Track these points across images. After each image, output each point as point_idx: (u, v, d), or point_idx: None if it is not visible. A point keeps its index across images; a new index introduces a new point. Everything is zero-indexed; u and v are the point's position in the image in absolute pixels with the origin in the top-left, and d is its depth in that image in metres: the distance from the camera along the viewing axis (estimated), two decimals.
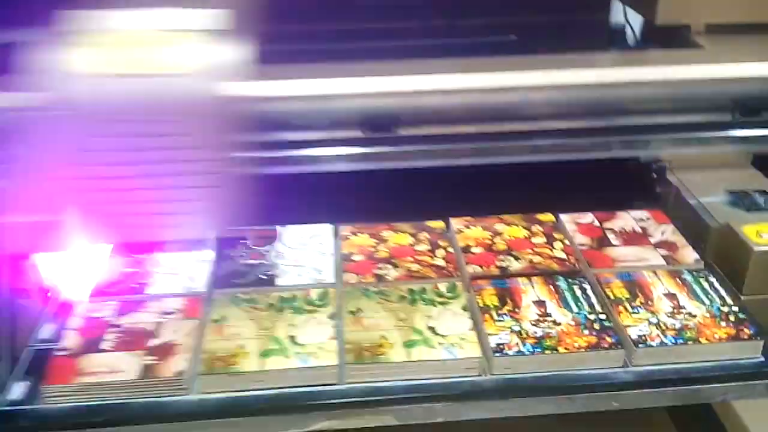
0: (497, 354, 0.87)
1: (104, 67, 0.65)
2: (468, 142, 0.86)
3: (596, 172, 1.19)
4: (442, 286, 1.00)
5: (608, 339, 0.89)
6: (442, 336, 0.90)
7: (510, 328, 0.91)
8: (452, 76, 0.80)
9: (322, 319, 0.94)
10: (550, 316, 0.93)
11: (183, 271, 1.04)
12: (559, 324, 0.92)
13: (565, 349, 0.88)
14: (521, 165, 0.88)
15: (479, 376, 0.88)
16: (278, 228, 1.13)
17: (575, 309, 0.94)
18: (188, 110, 0.67)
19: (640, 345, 0.88)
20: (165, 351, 0.88)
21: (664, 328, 0.90)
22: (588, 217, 1.15)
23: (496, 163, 1.06)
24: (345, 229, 1.13)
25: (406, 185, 1.21)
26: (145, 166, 0.68)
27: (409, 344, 0.89)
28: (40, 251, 0.94)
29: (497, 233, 1.11)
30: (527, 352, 0.87)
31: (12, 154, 0.69)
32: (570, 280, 1.00)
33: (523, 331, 0.90)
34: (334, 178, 1.13)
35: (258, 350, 0.89)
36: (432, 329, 0.91)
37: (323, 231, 1.13)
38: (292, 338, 0.90)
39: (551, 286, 0.99)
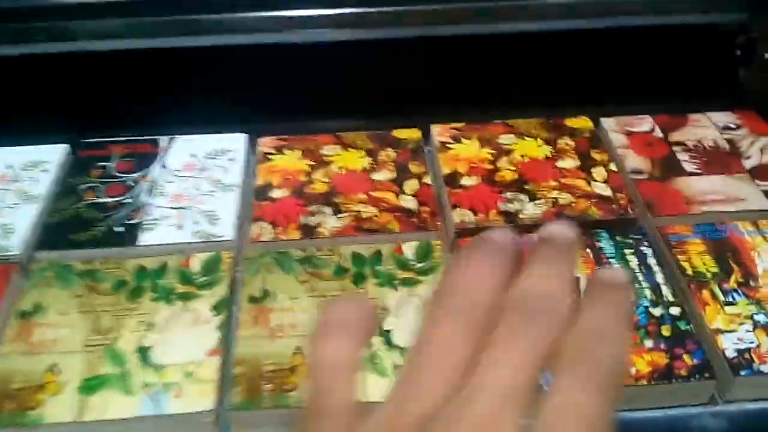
0: None
1: None
2: None
3: (654, 50, 0.78)
4: (409, 249, 0.61)
5: (687, 358, 0.51)
6: (402, 350, 0.52)
7: None
8: None
9: (203, 313, 0.56)
10: None
11: None
12: None
13: None
14: (541, 38, 0.67)
15: None
16: (162, 140, 0.73)
17: None
18: None
19: (741, 369, 0.51)
20: None
21: None
22: (645, 123, 0.74)
23: (502, 34, 0.76)
24: (265, 142, 0.73)
25: (365, 70, 0.79)
26: None
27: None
28: None
29: (503, 150, 0.70)
30: None
31: None
32: (619, 239, 0.61)
33: None
34: (254, 56, 0.73)
35: (80, 377, 0.51)
36: (386, 337, 0.54)
37: (231, 144, 0.72)
38: (142, 353, 0.53)
39: (588, 250, 0.60)
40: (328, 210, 0.64)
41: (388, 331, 0.54)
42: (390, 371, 0.51)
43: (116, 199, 0.66)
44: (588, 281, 0.29)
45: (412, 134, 0.73)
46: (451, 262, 0.30)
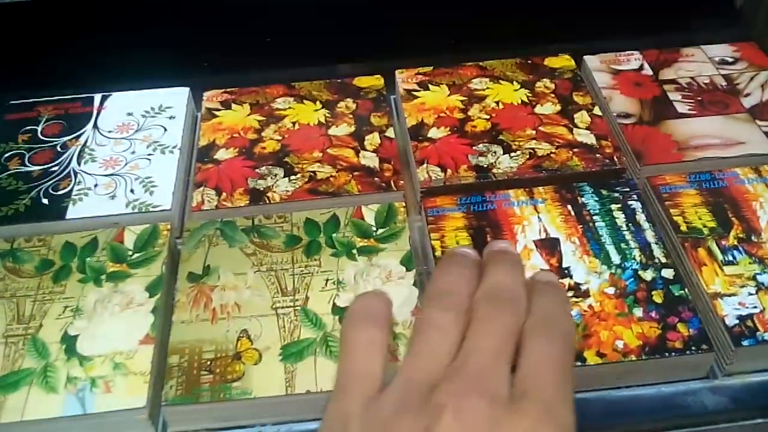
0: None
1: None
2: None
3: None
4: (370, 213, 0.54)
5: (682, 328, 0.45)
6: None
7: None
8: None
9: (136, 294, 0.49)
10: (567, 272, 0.49)
11: None
12: (585, 293, 0.48)
13: (599, 354, 0.44)
14: None
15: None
16: (95, 98, 0.65)
17: (615, 256, 0.50)
18: None
19: (743, 338, 0.45)
20: None
21: None
22: (633, 60, 0.66)
23: None
24: (210, 96, 0.65)
25: (320, 11, 0.71)
26: None
27: (294, 352, 0.45)
28: None
29: (475, 96, 0.63)
30: None
31: None
32: (604, 193, 0.54)
33: None
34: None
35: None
36: (341, 314, 0.47)
37: (171, 99, 0.65)
38: (68, 342, 0.47)
39: (569, 206, 0.53)
40: (279, 171, 0.57)
41: (344, 308, 0.48)
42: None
43: (43, 167, 0.59)
44: (530, 281, 0.37)
45: (373, 82, 0.66)
46: (434, 271, 0.40)
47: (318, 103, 0.64)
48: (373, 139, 0.60)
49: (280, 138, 0.60)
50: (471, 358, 0.31)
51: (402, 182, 0.56)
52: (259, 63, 0.70)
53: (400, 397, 0.31)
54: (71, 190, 0.56)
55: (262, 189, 0.56)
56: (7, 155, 0.60)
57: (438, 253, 0.50)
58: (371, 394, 0.32)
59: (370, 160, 0.58)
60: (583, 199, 0.54)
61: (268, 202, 0.55)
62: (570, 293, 0.47)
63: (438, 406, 0.29)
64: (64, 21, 0.73)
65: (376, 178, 0.56)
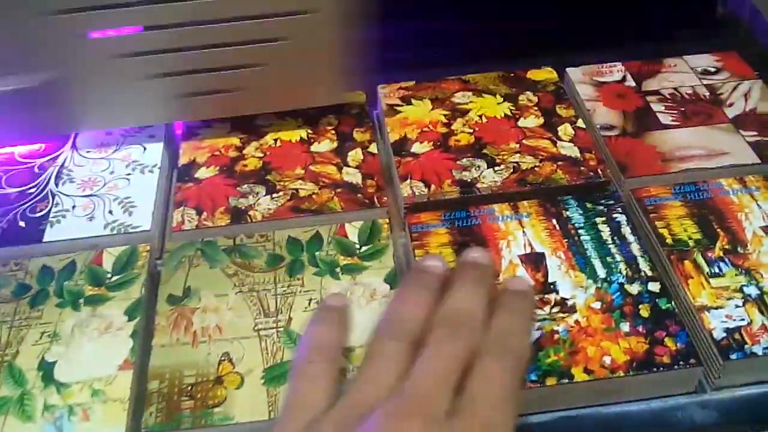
0: None
1: None
2: None
3: None
4: (353, 231, 0.53)
5: (669, 342, 0.45)
6: (348, 351, 0.45)
7: None
8: None
9: (115, 318, 0.48)
10: (553, 288, 0.48)
11: None
12: (572, 308, 0.47)
13: (587, 371, 0.44)
14: None
15: None
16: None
17: (601, 270, 0.49)
18: None
19: (731, 352, 0.44)
20: None
21: None
22: (616, 72, 0.66)
23: None
24: None
25: None
26: None
27: (277, 375, 0.45)
28: None
29: (458, 110, 0.63)
30: None
31: None
32: (589, 206, 0.54)
33: None
34: None
35: None
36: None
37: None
38: (44, 370, 0.46)
39: (554, 220, 0.53)
40: (261, 189, 0.57)
41: None
42: None
43: (20, 189, 0.58)
44: (500, 289, 0.38)
45: (355, 97, 0.65)
46: (396, 290, 0.40)
47: (299, 119, 0.63)
48: (355, 155, 0.59)
49: (261, 155, 0.60)
50: (413, 383, 0.32)
51: (386, 198, 0.56)
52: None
53: (340, 418, 0.32)
54: (48, 212, 0.55)
55: (243, 208, 0.55)
56: None
57: None
58: (314, 419, 0.33)
59: (353, 176, 0.57)
60: (567, 212, 0.53)
61: (249, 220, 0.54)
62: (556, 309, 0.47)
63: (372, 427, 0.30)
64: None
65: (359, 195, 0.56)
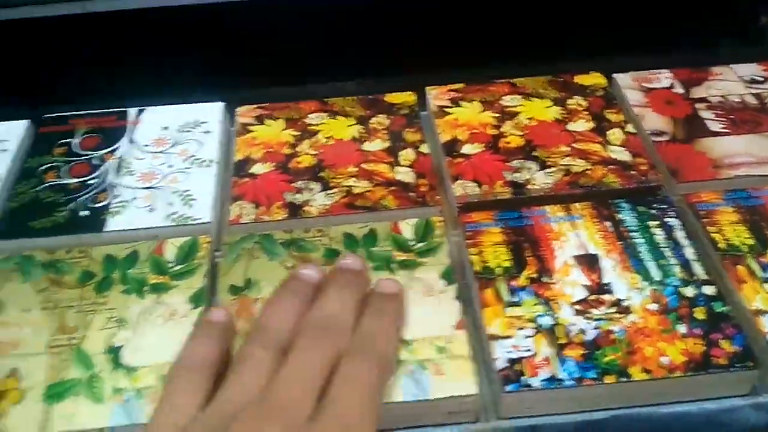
0: (510, 386, 0.44)
1: None
2: None
3: None
4: (408, 227, 0.54)
5: (725, 344, 0.45)
6: (407, 343, 0.46)
7: (533, 320, 0.47)
8: None
9: (179, 306, 0.50)
10: (608, 289, 0.49)
11: None
12: (627, 309, 0.48)
13: (645, 370, 0.44)
14: None
15: (475, 423, 0.46)
16: (129, 112, 0.66)
17: (656, 272, 0.50)
18: None
19: None
20: None
21: None
22: (663, 79, 0.67)
23: None
24: (244, 111, 0.66)
25: (352, 28, 0.72)
26: None
27: None
28: None
29: (507, 113, 0.64)
30: (567, 379, 0.44)
31: None
32: (641, 210, 0.55)
33: (559, 329, 0.46)
34: (230, 16, 0.66)
35: (44, 383, 0.46)
36: None
37: (206, 114, 0.65)
38: (113, 353, 0.47)
39: (607, 222, 0.54)
40: (316, 186, 0.58)
41: None
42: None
43: (80, 179, 0.59)
44: (370, 293, 0.39)
45: (405, 98, 0.66)
46: (268, 299, 0.39)
47: (352, 118, 0.64)
48: (407, 155, 0.60)
49: (315, 153, 0.61)
50: (275, 389, 0.33)
51: (438, 197, 0.57)
52: (288, 79, 0.71)
53: (204, 426, 0.32)
54: (110, 203, 0.57)
55: (299, 203, 0.56)
56: (43, 168, 0.60)
57: (477, 268, 0.51)
58: (179, 428, 0.33)
59: (405, 175, 0.58)
60: (620, 215, 0.54)
61: (305, 215, 0.55)
62: (612, 309, 0.48)
63: None
64: (94, 36, 0.74)
65: (411, 193, 0.57)
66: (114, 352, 0.47)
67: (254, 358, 0.35)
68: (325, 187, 0.58)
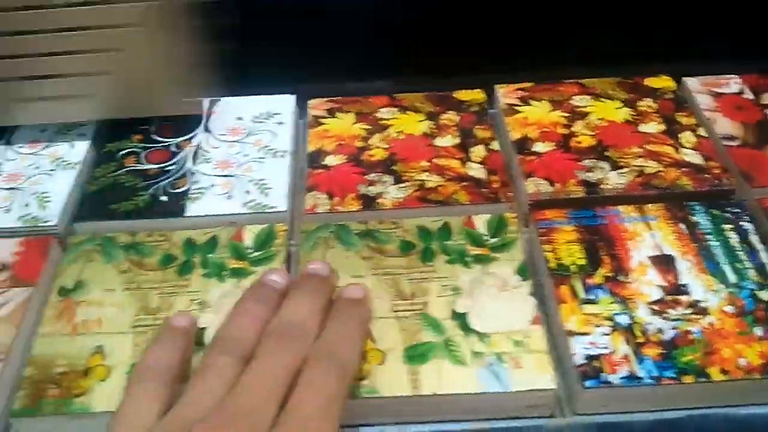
0: (589, 382, 0.45)
1: None
2: None
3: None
4: (481, 222, 0.55)
5: None
6: (481, 336, 0.47)
7: (611, 318, 0.48)
8: None
9: None
10: (684, 290, 0.49)
11: (21, 188, 0.60)
12: (704, 310, 0.48)
13: (723, 371, 0.45)
14: None
15: (550, 418, 0.46)
16: (205, 102, 0.67)
17: (731, 275, 0.50)
18: None
19: None
20: None
21: None
22: (733, 84, 0.67)
23: None
24: (315, 104, 0.67)
25: (421, 25, 0.73)
26: None
27: (417, 355, 0.46)
28: None
29: (577, 113, 0.64)
30: (646, 377, 0.44)
31: None
32: (715, 213, 0.55)
33: (636, 327, 0.47)
34: (302, 10, 0.68)
35: (129, 361, 0.47)
36: (461, 320, 0.48)
37: (278, 106, 0.67)
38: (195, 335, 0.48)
39: (682, 225, 0.54)
40: (388, 179, 0.59)
41: (462, 314, 0.48)
42: (468, 359, 0.46)
43: (159, 165, 0.61)
44: (335, 299, 0.41)
45: (475, 96, 0.67)
46: (234, 305, 0.40)
47: (422, 114, 0.65)
48: (478, 151, 0.61)
49: (387, 146, 0.62)
50: (236, 397, 0.33)
51: (510, 194, 0.57)
52: (357, 74, 0.72)
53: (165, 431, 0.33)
54: (188, 189, 0.58)
55: (372, 195, 0.57)
56: (122, 152, 0.62)
57: (551, 265, 0.51)
58: None
59: (477, 171, 0.59)
60: (694, 218, 0.54)
61: (379, 208, 0.56)
62: (689, 310, 0.48)
63: None
64: None
65: (484, 189, 0.57)
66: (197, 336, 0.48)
67: (217, 364, 0.36)
68: (398, 180, 0.59)
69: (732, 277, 0.50)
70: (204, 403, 0.34)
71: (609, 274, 0.50)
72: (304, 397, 0.34)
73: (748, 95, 0.65)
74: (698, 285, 0.49)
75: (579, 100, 0.65)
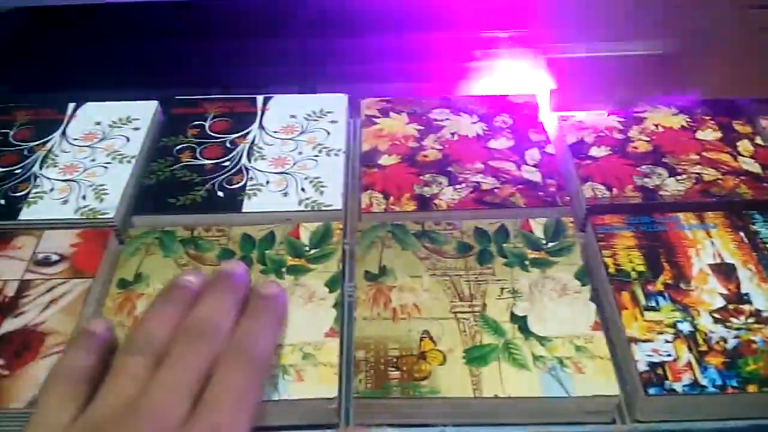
0: (652, 389, 0.44)
1: None
2: None
3: None
4: (539, 226, 0.55)
5: None
6: (542, 340, 0.47)
7: (673, 325, 0.47)
8: None
9: (317, 288, 0.51)
10: (746, 299, 0.49)
11: (78, 180, 0.61)
12: (767, 320, 0.47)
13: None
14: None
15: (611, 424, 0.46)
16: (258, 99, 0.68)
17: None
18: None
19: None
20: (20, 348, 0.48)
21: None
22: None
23: None
24: (368, 103, 0.67)
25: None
26: None
27: (477, 356, 0.46)
28: None
29: (632, 118, 0.64)
30: (710, 386, 0.44)
31: None
32: None
33: (699, 335, 0.47)
34: (353, 12, 0.68)
35: None
36: (521, 323, 0.48)
37: (331, 104, 0.67)
38: None
39: (742, 233, 0.53)
40: (443, 180, 0.59)
41: (522, 317, 0.48)
42: (530, 363, 0.46)
43: (214, 161, 0.61)
44: (250, 294, 0.41)
45: (527, 99, 0.67)
46: (147, 307, 0.40)
47: (475, 116, 0.65)
48: (532, 154, 0.61)
49: (440, 147, 0.62)
50: (147, 396, 0.33)
51: (567, 198, 0.57)
52: (410, 75, 0.72)
53: None
54: (245, 185, 0.59)
55: (428, 196, 0.57)
56: (179, 147, 0.63)
57: (611, 271, 0.51)
58: None
59: (532, 174, 0.59)
60: (755, 227, 0.54)
61: (435, 208, 0.56)
62: (751, 319, 0.47)
63: None
64: (218, 25, 0.76)
65: (540, 193, 0.57)
66: None
67: (128, 366, 0.36)
68: (453, 181, 0.58)
69: None
70: (114, 405, 0.34)
71: (669, 281, 0.50)
72: (216, 397, 0.34)
73: None
74: (760, 294, 0.49)
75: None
